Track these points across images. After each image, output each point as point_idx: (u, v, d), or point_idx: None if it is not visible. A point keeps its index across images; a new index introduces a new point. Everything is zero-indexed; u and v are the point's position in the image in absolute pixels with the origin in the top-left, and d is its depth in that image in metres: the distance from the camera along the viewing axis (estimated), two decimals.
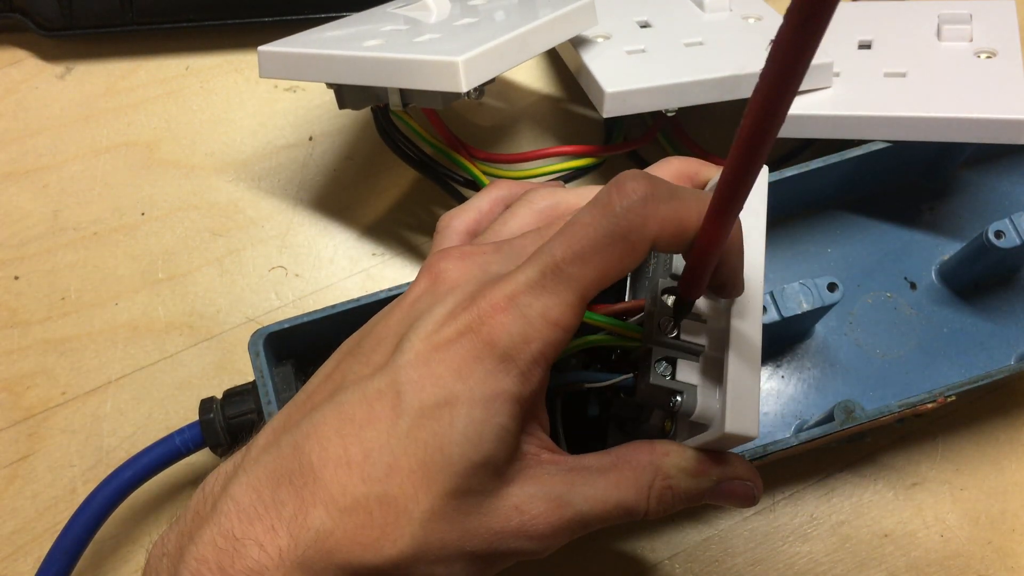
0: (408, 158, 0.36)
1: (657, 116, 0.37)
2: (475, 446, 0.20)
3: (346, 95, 0.32)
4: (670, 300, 0.24)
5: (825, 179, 0.34)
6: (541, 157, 0.36)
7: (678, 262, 0.24)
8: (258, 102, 0.42)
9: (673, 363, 0.23)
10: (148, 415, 0.35)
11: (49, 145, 0.40)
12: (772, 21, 0.37)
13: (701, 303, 0.24)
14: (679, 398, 0.23)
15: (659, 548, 0.33)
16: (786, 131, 0.34)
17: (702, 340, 0.23)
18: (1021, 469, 0.35)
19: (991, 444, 0.35)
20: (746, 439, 0.22)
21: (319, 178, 0.40)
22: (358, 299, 0.31)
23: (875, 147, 0.33)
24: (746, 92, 0.33)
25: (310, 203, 0.40)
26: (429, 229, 0.39)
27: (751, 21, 0.37)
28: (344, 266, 0.38)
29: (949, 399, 0.29)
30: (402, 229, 0.39)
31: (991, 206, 0.38)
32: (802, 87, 0.33)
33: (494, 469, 0.21)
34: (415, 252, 0.39)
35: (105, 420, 0.35)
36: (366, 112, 0.42)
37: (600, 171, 0.39)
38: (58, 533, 0.32)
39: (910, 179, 0.38)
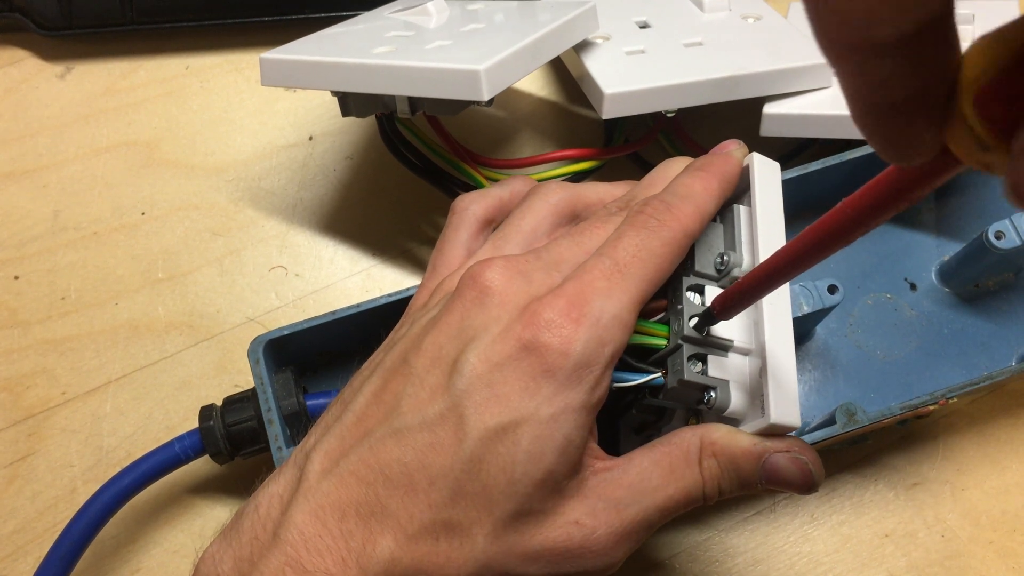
0: (412, 166, 0.35)
1: (658, 117, 0.37)
2: (536, 462, 0.20)
3: (351, 103, 0.31)
4: (695, 298, 0.24)
5: (824, 181, 0.34)
6: (543, 162, 0.36)
7: (701, 259, 0.25)
8: (258, 102, 0.42)
9: (703, 360, 0.23)
10: (148, 415, 0.35)
11: (49, 145, 0.40)
12: (771, 20, 0.37)
13: None
14: (713, 394, 0.23)
15: (659, 548, 0.33)
16: (788, 131, 0.34)
17: (730, 335, 0.24)
18: (1022, 469, 0.35)
19: (992, 444, 0.35)
20: (790, 429, 0.22)
21: (319, 178, 0.40)
22: (358, 305, 0.31)
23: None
24: (746, 92, 0.33)
25: (310, 203, 0.40)
26: (429, 230, 0.39)
27: (750, 21, 0.37)
28: (344, 266, 0.38)
29: (951, 400, 0.29)
30: (402, 229, 0.39)
31: (991, 206, 0.38)
32: (802, 87, 0.34)
33: (554, 484, 0.20)
34: (415, 252, 0.39)
35: (105, 420, 0.35)
36: None
37: (600, 173, 0.39)
38: (57, 534, 0.32)
39: None
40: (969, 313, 0.36)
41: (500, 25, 0.32)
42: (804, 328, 0.34)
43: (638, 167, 0.39)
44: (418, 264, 0.39)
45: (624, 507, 0.21)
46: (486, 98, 0.27)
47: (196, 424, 0.30)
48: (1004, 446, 0.35)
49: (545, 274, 0.22)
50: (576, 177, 0.37)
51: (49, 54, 0.42)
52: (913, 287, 0.36)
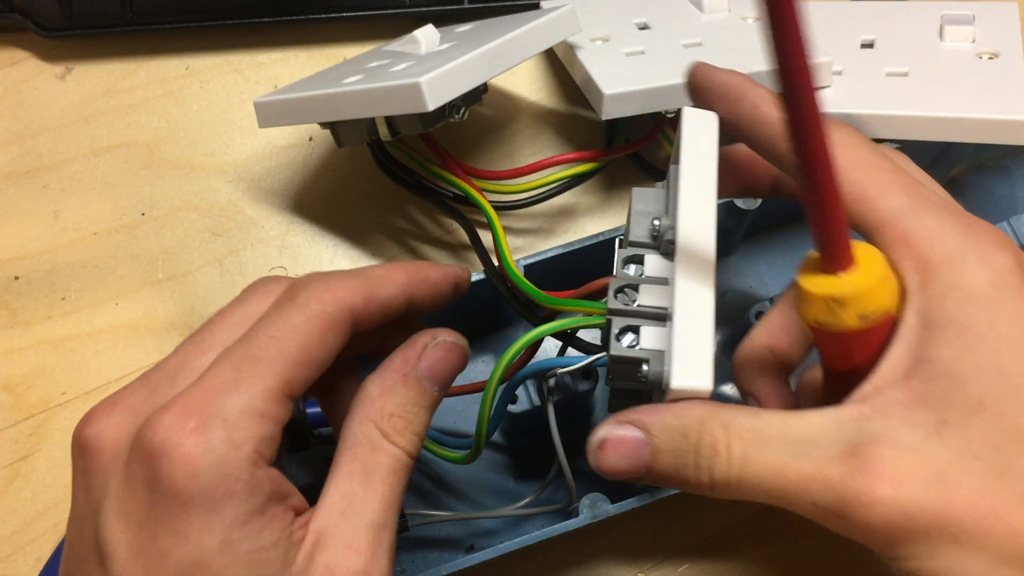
0: (408, 186, 0.35)
1: (658, 117, 0.37)
2: None
3: (340, 133, 0.33)
4: (631, 269, 0.23)
5: None
6: (543, 167, 0.35)
7: (638, 227, 0.23)
8: None
9: (636, 331, 0.22)
10: None
11: (49, 145, 0.40)
12: None
13: (661, 264, 0.23)
14: (646, 367, 0.22)
15: (661, 548, 0.33)
16: None
17: (662, 303, 0.22)
18: None
19: None
20: (700, 394, 0.20)
21: (319, 178, 0.40)
22: None
23: None
24: None
25: (310, 203, 0.40)
26: (429, 229, 0.39)
27: (750, 21, 0.37)
28: (344, 266, 0.38)
29: None
30: (402, 229, 0.39)
31: (988, 209, 0.37)
32: None
33: None
34: (415, 252, 0.39)
35: None
36: None
37: (602, 175, 0.39)
38: (58, 535, 0.32)
39: None
40: None
41: (467, 40, 0.32)
42: None
43: (638, 168, 0.39)
44: None
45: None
46: (430, 107, 0.28)
47: None
48: None
49: (160, 398, 0.19)
50: (574, 180, 0.37)
51: (49, 54, 0.42)
52: None
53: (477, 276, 0.31)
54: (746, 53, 0.34)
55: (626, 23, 0.37)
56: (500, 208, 0.35)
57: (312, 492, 0.29)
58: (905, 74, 0.34)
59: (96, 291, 0.38)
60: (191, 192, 0.40)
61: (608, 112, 0.32)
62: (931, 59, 0.35)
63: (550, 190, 0.36)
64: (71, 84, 0.42)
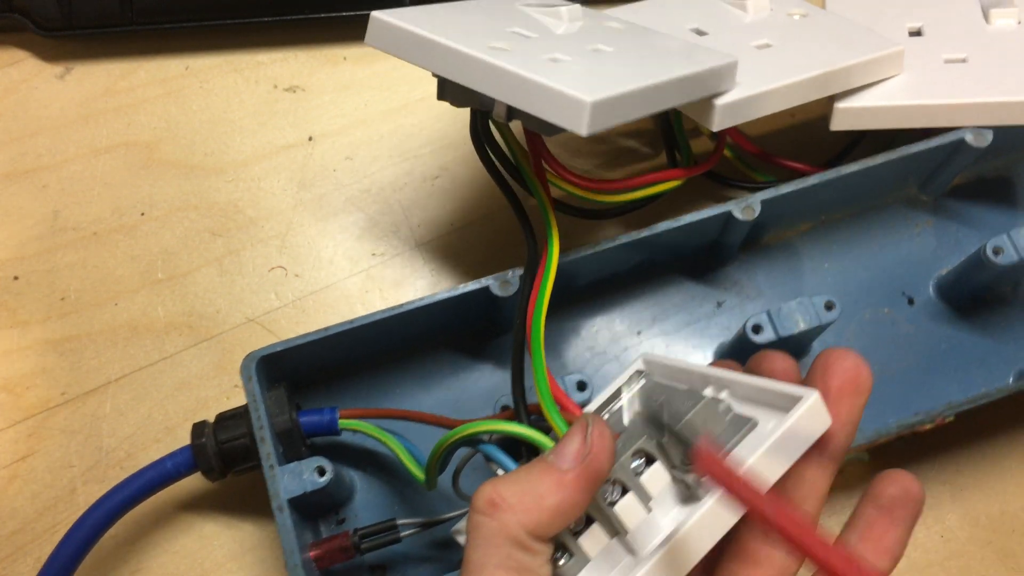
0: (494, 172, 0.32)
1: (720, 133, 0.35)
2: None
3: (449, 89, 0.28)
4: (634, 463, 0.21)
5: (822, 193, 0.34)
6: (646, 183, 0.33)
7: (687, 433, 0.21)
8: (258, 102, 0.42)
9: (589, 522, 0.21)
10: (148, 415, 0.35)
11: (49, 145, 0.40)
12: (817, 15, 0.35)
13: (669, 489, 0.21)
14: (563, 559, 0.21)
15: None
16: (859, 123, 0.33)
17: (631, 523, 0.21)
18: (1020, 469, 0.35)
19: (990, 444, 0.35)
20: None
21: (319, 178, 0.40)
22: (351, 321, 0.30)
23: (873, 161, 0.33)
24: (833, 88, 0.32)
25: (310, 203, 0.40)
26: (428, 229, 0.39)
27: (796, 17, 0.35)
28: (344, 266, 0.38)
29: (948, 420, 0.29)
30: (402, 229, 0.39)
31: (989, 220, 0.37)
32: (878, 77, 0.33)
33: None
34: (415, 252, 0.39)
35: (105, 420, 0.35)
36: (364, 112, 0.42)
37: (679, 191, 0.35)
38: (57, 535, 0.32)
39: (908, 192, 0.37)
40: (967, 328, 0.35)
41: (629, 54, 0.28)
42: (801, 344, 0.34)
43: (713, 182, 0.38)
44: (418, 264, 0.39)
45: None
46: (586, 133, 0.23)
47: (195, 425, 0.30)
48: (1002, 447, 0.35)
49: None
50: (654, 198, 0.34)
51: (49, 54, 0.42)
52: (911, 301, 0.36)
53: (475, 284, 0.31)
54: (821, 49, 0.33)
55: (681, 30, 0.34)
56: (575, 215, 0.34)
57: (302, 504, 0.29)
58: (964, 60, 0.33)
59: (96, 291, 0.38)
60: (191, 192, 0.40)
61: (720, 124, 0.29)
62: (985, 43, 0.34)
63: (633, 203, 0.34)
64: (70, 84, 0.42)
